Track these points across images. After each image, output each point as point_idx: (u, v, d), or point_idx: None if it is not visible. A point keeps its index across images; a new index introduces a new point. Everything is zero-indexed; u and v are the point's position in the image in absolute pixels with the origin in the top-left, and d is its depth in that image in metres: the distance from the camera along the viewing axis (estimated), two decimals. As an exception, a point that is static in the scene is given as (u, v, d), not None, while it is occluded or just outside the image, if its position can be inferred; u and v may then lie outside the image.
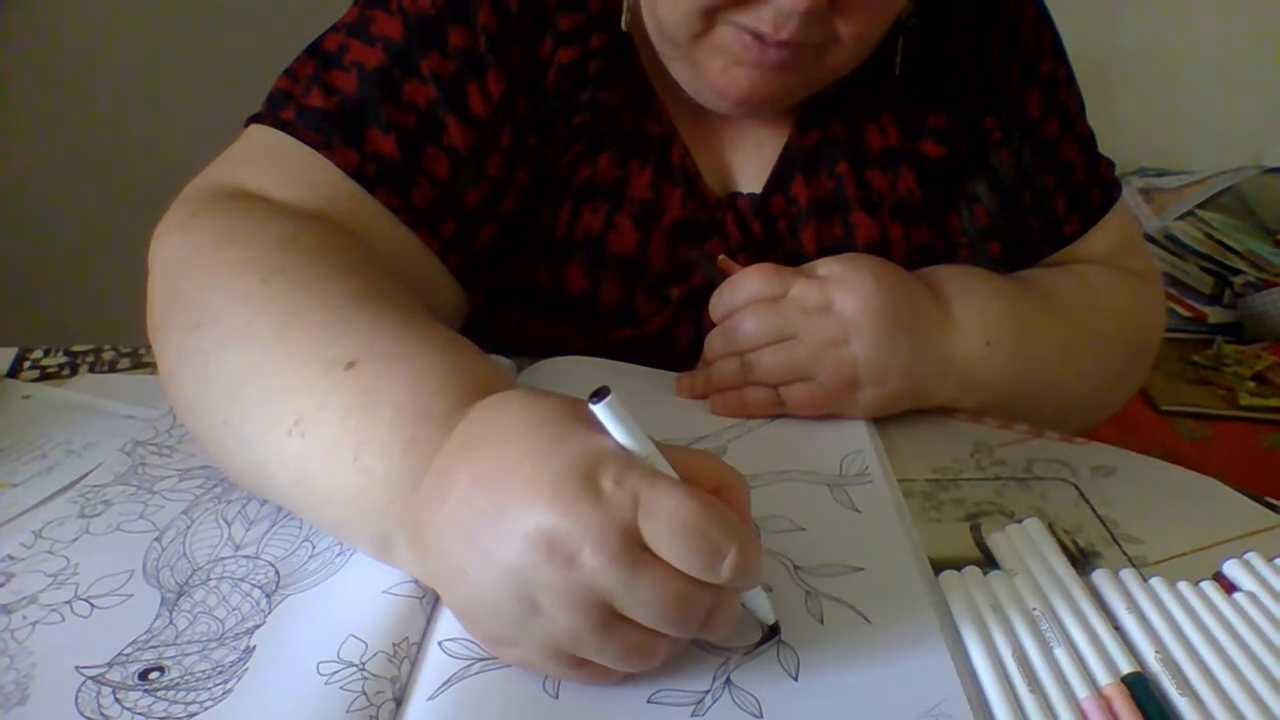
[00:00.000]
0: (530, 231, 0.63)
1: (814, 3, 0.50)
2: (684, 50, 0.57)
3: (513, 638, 0.35)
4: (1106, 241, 0.70)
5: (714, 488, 0.36)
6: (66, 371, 0.63)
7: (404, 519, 0.38)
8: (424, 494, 0.37)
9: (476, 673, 0.37)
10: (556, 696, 0.36)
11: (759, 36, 0.53)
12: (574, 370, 0.61)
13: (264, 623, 0.40)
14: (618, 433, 0.35)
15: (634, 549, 0.33)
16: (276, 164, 0.55)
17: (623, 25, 0.60)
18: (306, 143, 0.55)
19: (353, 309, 0.44)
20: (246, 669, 0.38)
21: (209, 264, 0.49)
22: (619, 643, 0.34)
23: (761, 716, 0.36)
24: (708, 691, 0.37)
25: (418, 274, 0.57)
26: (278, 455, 0.42)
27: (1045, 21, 0.67)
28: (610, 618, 0.34)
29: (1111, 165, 0.71)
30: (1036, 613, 0.42)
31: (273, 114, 0.56)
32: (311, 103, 0.56)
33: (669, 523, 0.33)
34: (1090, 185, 0.68)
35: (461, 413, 0.38)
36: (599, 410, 0.35)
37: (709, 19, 0.54)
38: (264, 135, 0.56)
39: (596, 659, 0.35)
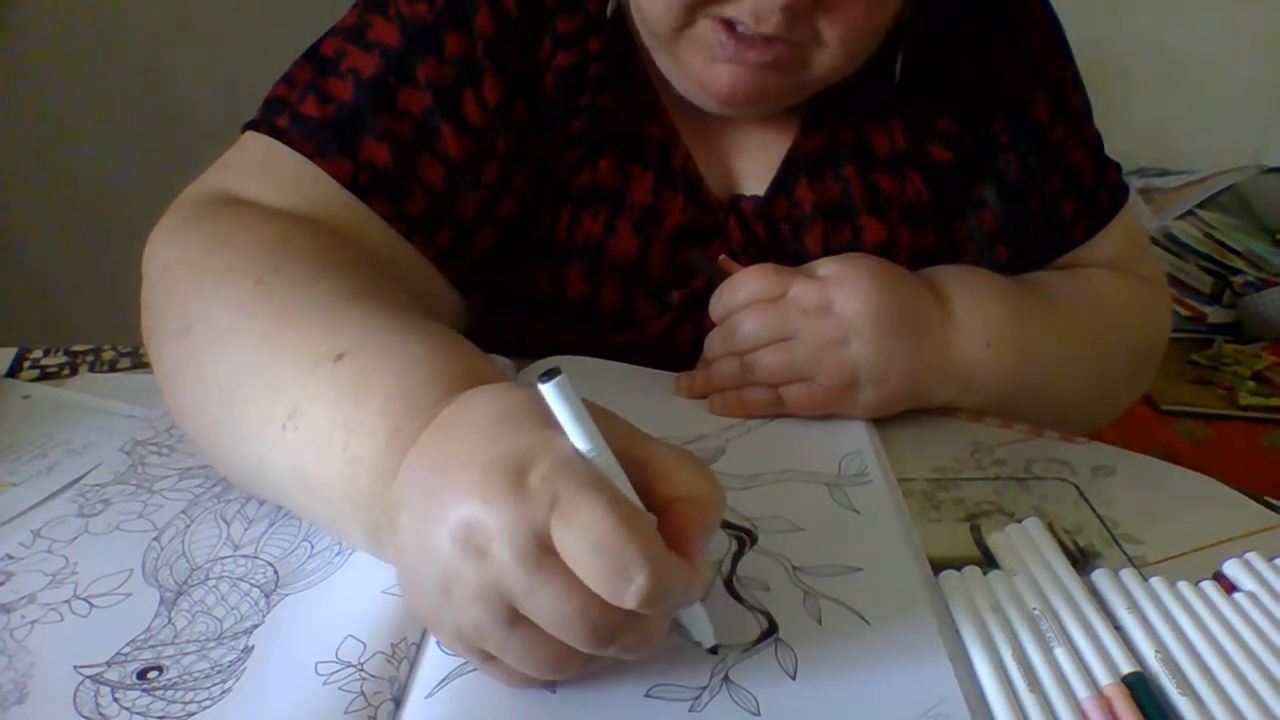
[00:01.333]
0: (529, 237, 0.63)
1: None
2: (667, 44, 0.57)
3: (433, 620, 0.35)
4: (1113, 245, 0.69)
5: (675, 496, 0.34)
6: (66, 371, 0.63)
7: (386, 507, 0.38)
8: (398, 479, 0.37)
9: (474, 670, 0.37)
10: (554, 691, 0.36)
11: (738, 30, 0.53)
12: (572, 369, 0.61)
13: (262, 622, 0.40)
14: (563, 417, 0.33)
15: (541, 552, 0.31)
16: (271, 172, 0.55)
17: (607, 13, 0.60)
18: (300, 151, 0.55)
19: (345, 305, 0.44)
20: (245, 669, 0.38)
21: (202, 269, 0.49)
22: (520, 643, 0.33)
23: (759, 715, 0.36)
24: (705, 688, 0.36)
25: (414, 281, 0.57)
26: (273, 451, 0.42)
27: (1051, 23, 0.67)
28: (513, 616, 0.32)
29: (1118, 168, 0.70)
30: (1036, 613, 0.42)
31: (268, 121, 0.56)
32: (306, 111, 0.56)
33: (580, 534, 0.31)
34: (1098, 189, 0.68)
35: (447, 403, 0.38)
36: (545, 390, 0.33)
37: (690, 13, 0.54)
38: (259, 143, 0.56)
39: (499, 656, 0.34)
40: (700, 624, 0.37)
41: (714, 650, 0.37)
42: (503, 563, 0.31)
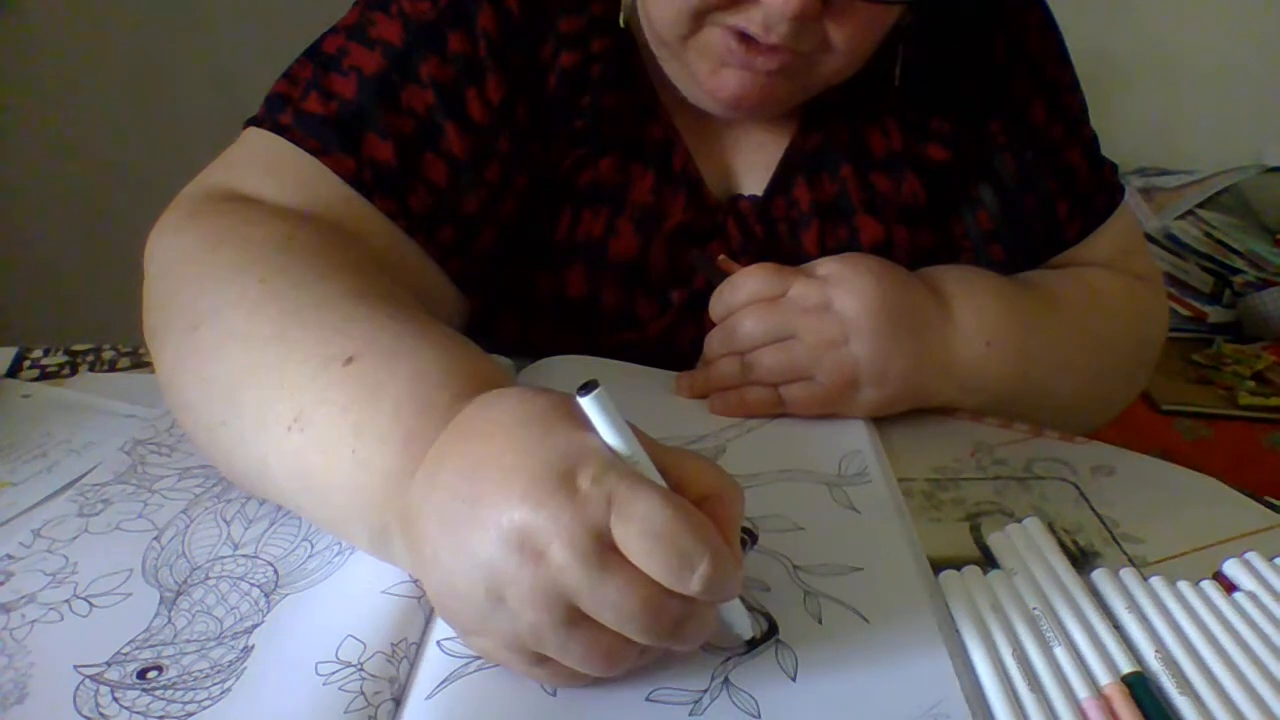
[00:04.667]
0: (530, 236, 0.63)
1: (804, 7, 0.50)
2: (674, 50, 0.57)
3: (479, 628, 0.35)
4: (1109, 245, 0.70)
5: (703, 495, 0.35)
6: (66, 371, 0.63)
7: (399, 510, 0.38)
8: (416, 483, 0.37)
9: (474, 671, 0.37)
10: (554, 694, 0.36)
11: (748, 39, 0.53)
12: (574, 369, 0.61)
13: (262, 622, 0.40)
14: (603, 427, 0.34)
15: (603, 549, 0.32)
16: (273, 169, 0.55)
17: (620, 22, 0.60)
18: (304, 148, 0.55)
19: (352, 306, 0.44)
20: (245, 668, 0.38)
21: (206, 266, 0.49)
22: (581, 643, 0.33)
23: (759, 717, 0.36)
24: (705, 691, 0.36)
25: (416, 279, 0.57)
26: (277, 452, 0.41)
27: (1050, 25, 0.67)
28: (574, 617, 0.33)
29: (1114, 168, 0.71)
30: (1036, 612, 0.42)
31: (270, 118, 0.56)
32: (309, 108, 0.56)
33: (641, 526, 0.32)
34: (1093, 189, 0.68)
35: (461, 406, 0.38)
36: (585, 403, 0.34)
37: (698, 20, 0.54)
38: (261, 139, 0.56)
39: (558, 658, 0.34)
40: (739, 616, 0.38)
41: (751, 642, 0.38)
42: (562, 564, 0.32)
